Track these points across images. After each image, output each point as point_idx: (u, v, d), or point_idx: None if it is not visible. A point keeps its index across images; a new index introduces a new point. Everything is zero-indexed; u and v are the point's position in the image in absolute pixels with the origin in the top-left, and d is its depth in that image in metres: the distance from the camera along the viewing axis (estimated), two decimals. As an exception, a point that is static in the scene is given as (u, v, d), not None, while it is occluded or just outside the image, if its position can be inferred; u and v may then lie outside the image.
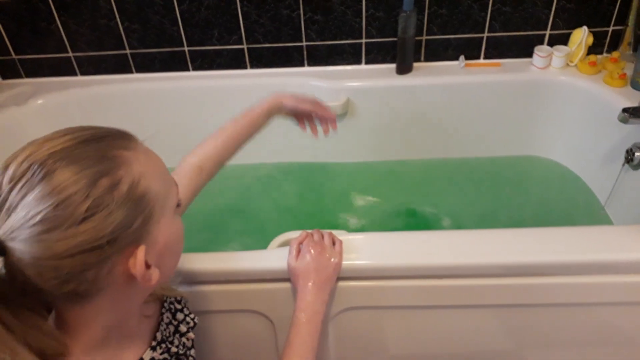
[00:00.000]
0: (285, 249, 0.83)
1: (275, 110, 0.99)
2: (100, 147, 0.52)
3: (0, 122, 1.37)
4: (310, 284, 0.77)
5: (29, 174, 0.47)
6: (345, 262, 0.82)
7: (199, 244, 1.32)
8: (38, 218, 0.46)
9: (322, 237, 0.83)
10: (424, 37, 1.42)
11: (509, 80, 1.40)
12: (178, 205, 0.59)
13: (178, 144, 1.54)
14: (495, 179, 1.50)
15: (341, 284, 0.84)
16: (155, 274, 0.54)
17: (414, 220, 1.39)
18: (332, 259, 0.80)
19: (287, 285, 0.84)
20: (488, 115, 1.45)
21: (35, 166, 0.48)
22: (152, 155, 0.57)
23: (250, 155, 1.56)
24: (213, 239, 1.36)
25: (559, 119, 1.44)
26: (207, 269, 0.83)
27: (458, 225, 1.36)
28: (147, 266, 0.53)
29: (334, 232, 0.88)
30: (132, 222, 0.51)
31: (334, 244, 0.83)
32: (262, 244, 1.00)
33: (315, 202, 1.47)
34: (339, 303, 0.86)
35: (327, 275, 0.79)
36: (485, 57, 1.45)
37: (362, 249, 0.84)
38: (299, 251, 0.81)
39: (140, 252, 0.52)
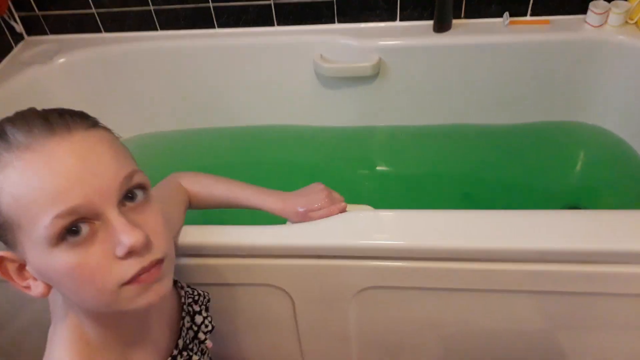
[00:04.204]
0: (304, 225, 0.80)
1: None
2: None
3: (24, 80, 1.35)
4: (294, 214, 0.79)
5: None
6: (370, 241, 0.77)
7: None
8: None
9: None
10: (466, -9, 1.30)
11: (559, 39, 1.27)
12: (67, 238, 0.47)
13: (202, 103, 1.52)
14: (538, 146, 1.40)
15: (365, 262, 0.80)
16: (37, 286, 0.51)
17: (449, 189, 1.33)
18: (317, 211, 0.79)
19: (306, 261, 0.81)
20: (534, 78, 1.34)
21: None
22: (41, 171, 0.46)
23: (275, 117, 1.53)
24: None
25: (613, 83, 1.31)
26: (227, 242, 0.80)
27: (495, 195, 1.29)
28: (22, 269, 0.51)
29: (360, 207, 0.84)
30: None
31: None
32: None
33: (343, 168, 1.42)
34: (361, 281, 0.82)
35: (301, 215, 0.79)
36: (533, 14, 1.32)
37: (390, 227, 0.79)
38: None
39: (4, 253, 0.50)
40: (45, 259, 0.47)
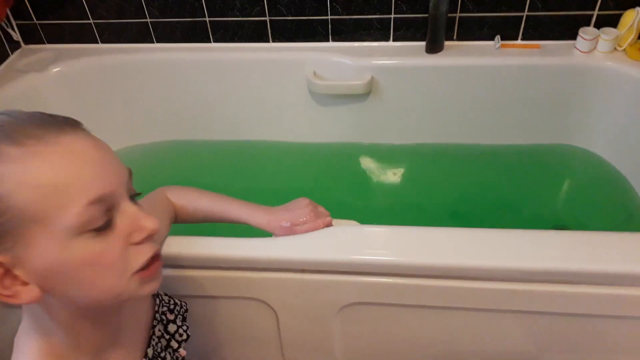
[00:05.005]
0: (289, 238, 0.79)
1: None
2: None
3: (19, 88, 1.36)
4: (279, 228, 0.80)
5: None
6: (355, 256, 0.77)
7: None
8: None
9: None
10: (458, 14, 1.32)
11: (549, 64, 1.29)
12: (98, 229, 0.48)
13: (196, 117, 1.53)
14: (526, 167, 1.41)
15: (350, 278, 0.79)
16: (29, 290, 0.48)
17: (437, 207, 1.33)
18: (302, 225, 0.80)
19: (290, 275, 0.80)
20: (523, 100, 1.35)
21: None
22: (67, 161, 0.46)
23: (267, 132, 1.53)
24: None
25: (602, 108, 1.33)
26: (210, 254, 0.80)
27: (483, 215, 1.29)
28: (6, 276, 0.47)
29: (346, 222, 0.83)
30: None
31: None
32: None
33: (332, 185, 1.42)
34: (346, 297, 0.82)
35: (287, 229, 0.80)
36: (524, 38, 1.34)
37: (375, 242, 0.78)
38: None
39: None
40: (60, 253, 0.47)
